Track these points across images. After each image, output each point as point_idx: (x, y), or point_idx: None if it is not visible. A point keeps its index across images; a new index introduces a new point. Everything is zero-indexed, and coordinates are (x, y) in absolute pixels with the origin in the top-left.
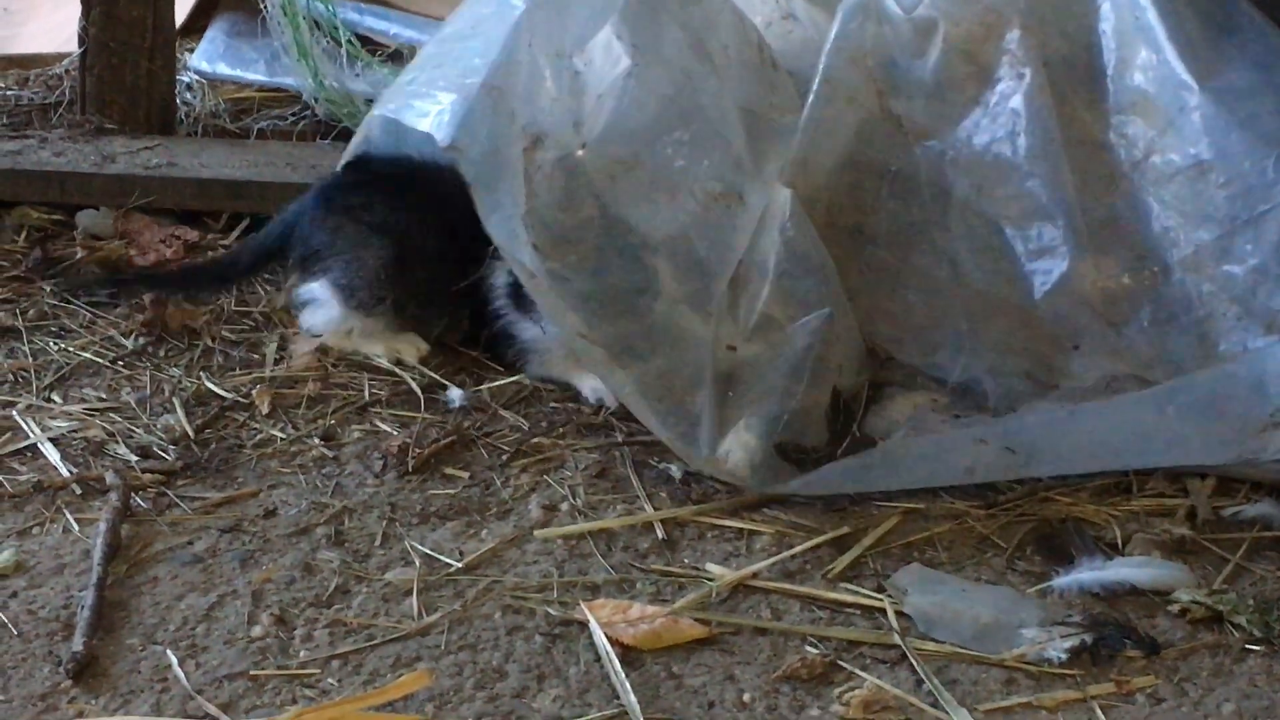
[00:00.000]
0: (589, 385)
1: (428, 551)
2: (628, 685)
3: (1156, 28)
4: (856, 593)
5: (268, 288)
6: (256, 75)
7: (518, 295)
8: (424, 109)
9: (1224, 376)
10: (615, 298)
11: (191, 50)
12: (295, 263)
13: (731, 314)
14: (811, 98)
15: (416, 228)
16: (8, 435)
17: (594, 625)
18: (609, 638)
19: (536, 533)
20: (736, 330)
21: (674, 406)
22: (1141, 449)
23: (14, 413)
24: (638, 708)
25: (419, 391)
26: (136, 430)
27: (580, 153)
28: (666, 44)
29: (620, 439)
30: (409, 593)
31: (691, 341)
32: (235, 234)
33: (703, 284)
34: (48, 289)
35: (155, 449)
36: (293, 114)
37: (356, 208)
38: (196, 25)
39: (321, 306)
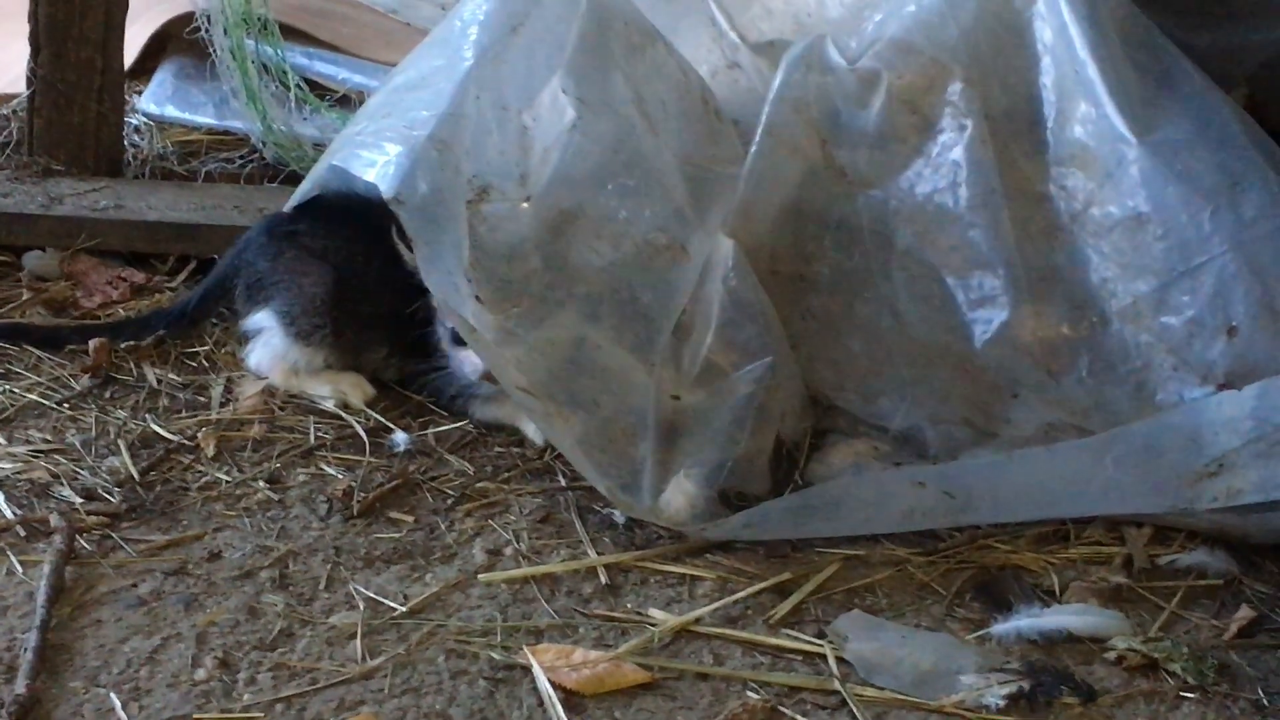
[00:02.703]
0: (533, 428)
1: (372, 595)
2: None
3: (1096, 82)
4: (798, 639)
5: (214, 330)
6: (205, 118)
7: (460, 339)
8: (370, 159)
9: (1161, 427)
10: (558, 349)
11: (140, 92)
12: (241, 293)
13: (675, 363)
14: (754, 148)
15: (359, 254)
16: None
17: (537, 670)
18: (552, 682)
19: (480, 577)
20: (680, 379)
21: (616, 456)
22: (1078, 497)
23: None
24: None
25: (364, 435)
26: (81, 472)
27: (525, 205)
28: (612, 95)
29: (564, 484)
30: (353, 636)
31: (635, 391)
32: (182, 276)
33: (646, 334)
34: None
35: (100, 491)
36: (241, 157)
37: (299, 234)
38: (145, 67)
39: (266, 337)
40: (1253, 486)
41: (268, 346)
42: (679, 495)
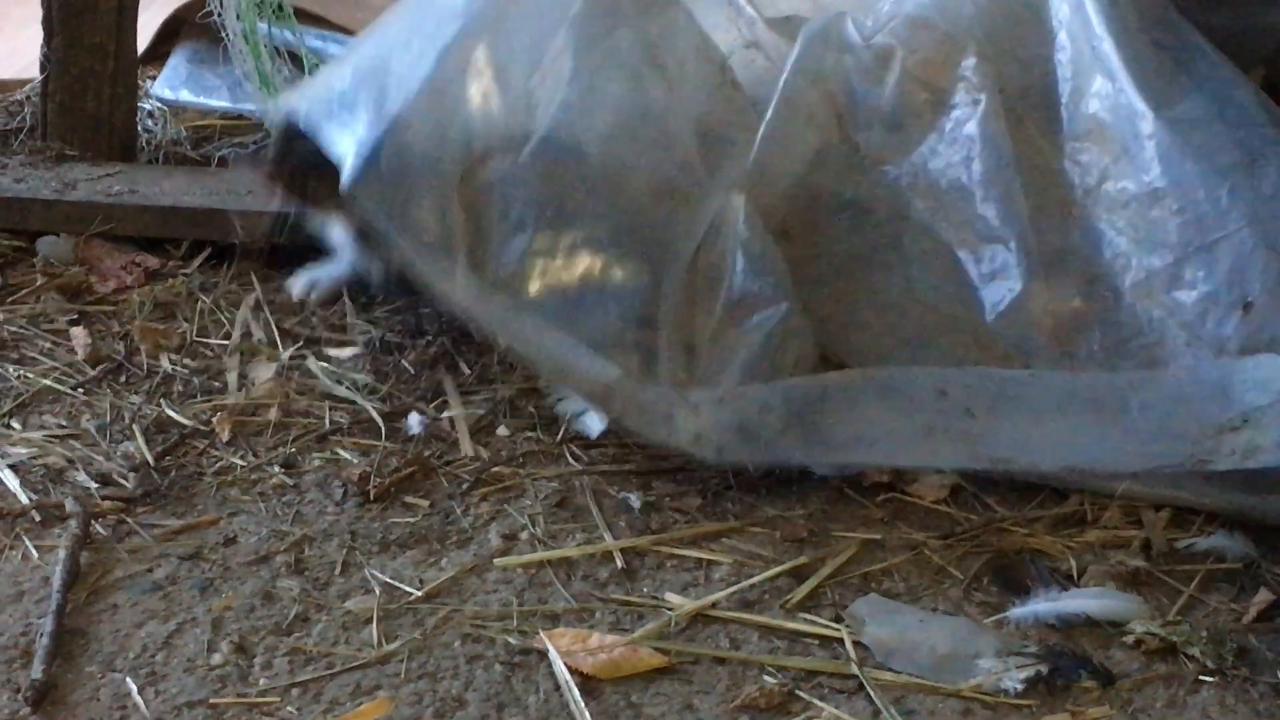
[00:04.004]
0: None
1: (388, 580)
2: (587, 715)
3: (1112, 57)
4: (814, 622)
5: (229, 313)
6: (219, 102)
7: None
8: (343, 126)
9: (1193, 376)
10: (565, 304)
11: (153, 77)
12: None
13: (688, 312)
14: (770, 113)
15: None
16: None
17: (553, 654)
18: (569, 667)
19: (496, 561)
20: (693, 328)
21: (627, 405)
22: (1098, 442)
23: None
24: None
25: (379, 420)
26: (96, 457)
27: (528, 158)
28: (620, 48)
29: (580, 468)
30: (369, 621)
31: (646, 342)
32: (197, 261)
33: (654, 283)
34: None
35: (115, 476)
36: (255, 141)
37: None
38: (159, 52)
39: None
40: (1271, 444)
41: None
42: (690, 419)
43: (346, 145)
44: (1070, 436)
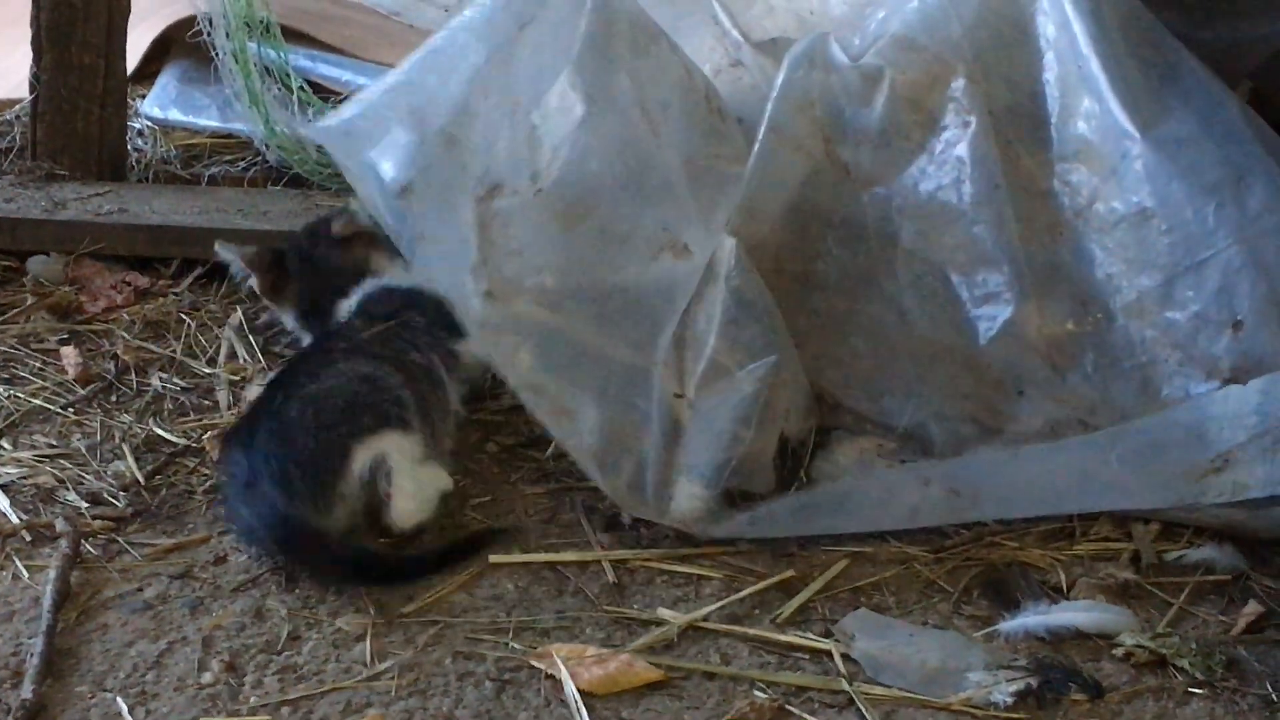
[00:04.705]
0: None
1: (378, 597)
2: None
3: (1099, 77)
4: (804, 637)
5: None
6: (208, 121)
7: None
8: (378, 141)
9: (1166, 422)
10: (565, 344)
11: (143, 97)
12: None
13: (679, 361)
14: (757, 146)
15: None
16: None
17: (561, 668)
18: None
19: (491, 558)
20: (684, 377)
21: (621, 454)
22: (1084, 492)
23: None
24: None
25: None
26: (87, 477)
27: (535, 197)
28: (618, 94)
29: (570, 483)
30: (360, 638)
31: (639, 388)
32: (187, 281)
33: (650, 332)
34: None
35: (105, 495)
36: (244, 160)
37: None
38: (148, 71)
39: None
40: (1258, 482)
41: None
42: (683, 494)
43: (389, 149)
44: (1055, 493)
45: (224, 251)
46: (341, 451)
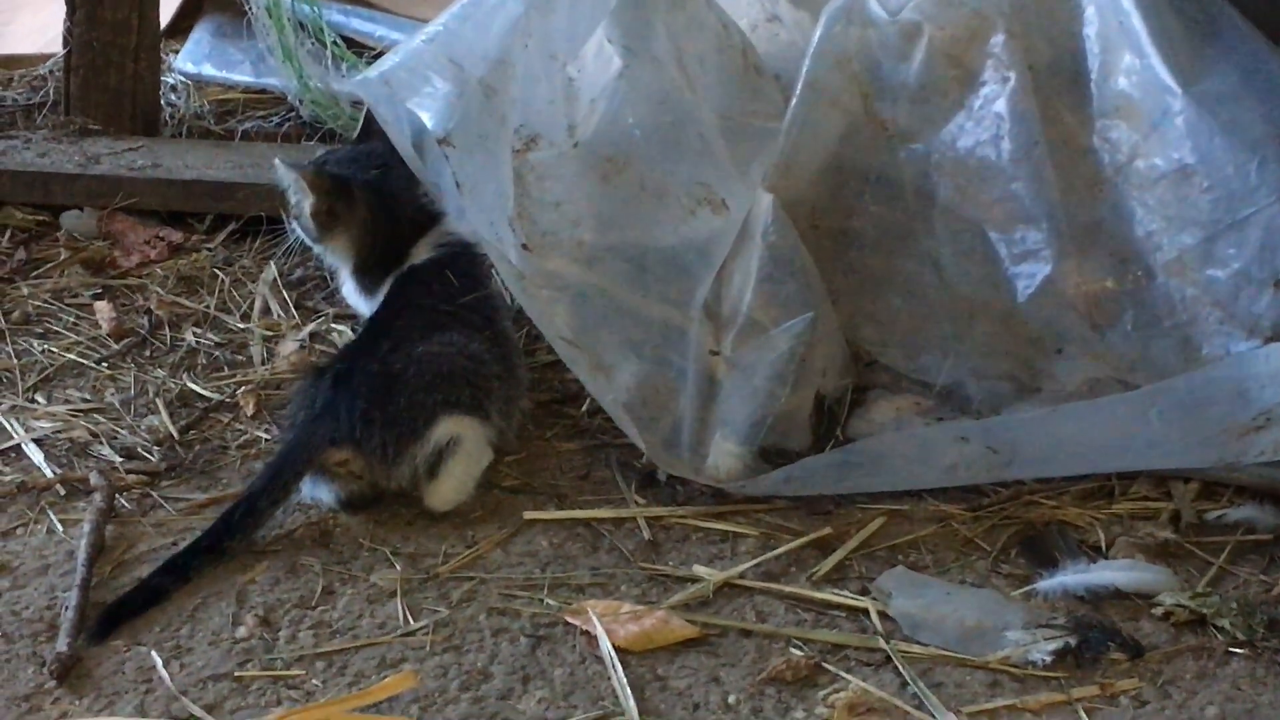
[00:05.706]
0: None
1: (412, 553)
2: (627, 687)
3: (1140, 32)
4: (841, 595)
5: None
6: (242, 76)
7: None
8: (418, 92)
9: (1206, 380)
10: (603, 298)
11: (176, 51)
12: None
13: (715, 318)
14: (795, 101)
15: None
16: None
17: (597, 624)
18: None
19: (525, 514)
20: (720, 334)
21: (657, 411)
22: (1123, 451)
23: None
24: (635, 709)
25: None
26: (121, 431)
27: (573, 149)
28: (656, 47)
29: (606, 440)
30: (394, 594)
31: (676, 344)
32: (221, 236)
33: (686, 288)
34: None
35: (139, 450)
36: (277, 115)
37: None
38: (181, 26)
39: None
40: None
41: None
42: (719, 452)
43: (428, 99)
44: (1094, 451)
45: (283, 168)
46: (429, 418)
